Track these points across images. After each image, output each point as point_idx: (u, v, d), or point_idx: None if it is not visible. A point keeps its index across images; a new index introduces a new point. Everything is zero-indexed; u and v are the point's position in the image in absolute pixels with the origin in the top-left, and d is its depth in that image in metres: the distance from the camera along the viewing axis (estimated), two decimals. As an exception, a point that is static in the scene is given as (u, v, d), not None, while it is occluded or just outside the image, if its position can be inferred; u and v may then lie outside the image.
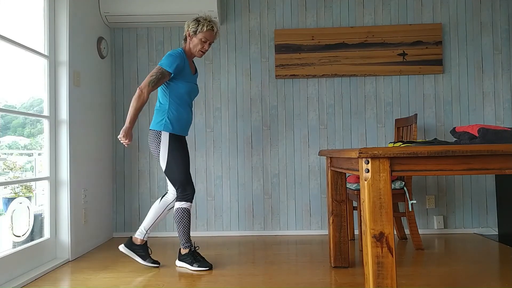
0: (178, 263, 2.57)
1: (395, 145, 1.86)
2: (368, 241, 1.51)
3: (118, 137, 2.36)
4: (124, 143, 2.37)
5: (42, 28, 2.76)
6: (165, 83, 2.48)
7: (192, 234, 3.49)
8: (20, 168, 2.75)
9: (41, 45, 2.74)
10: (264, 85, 3.54)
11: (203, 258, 2.54)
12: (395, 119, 3.32)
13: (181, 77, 2.47)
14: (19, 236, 2.52)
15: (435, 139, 1.97)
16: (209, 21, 2.48)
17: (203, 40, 2.48)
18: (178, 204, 2.50)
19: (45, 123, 2.75)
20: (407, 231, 3.38)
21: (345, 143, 3.51)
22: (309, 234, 3.46)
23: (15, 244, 2.49)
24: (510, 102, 3.46)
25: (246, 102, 3.54)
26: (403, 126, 3.15)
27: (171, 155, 2.45)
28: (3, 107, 2.45)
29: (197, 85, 2.64)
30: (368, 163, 1.53)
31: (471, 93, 3.48)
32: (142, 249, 2.56)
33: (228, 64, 3.56)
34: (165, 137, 2.46)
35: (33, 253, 2.52)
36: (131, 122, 2.36)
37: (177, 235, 2.59)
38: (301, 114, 3.52)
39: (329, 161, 2.48)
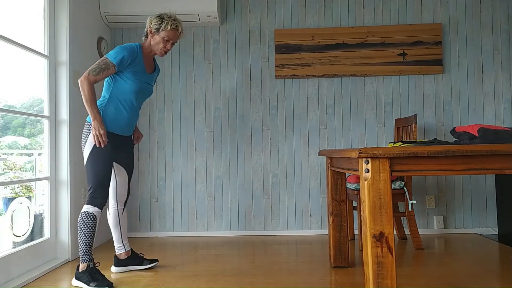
0: (74, 282, 2.24)
1: (395, 145, 1.86)
2: (368, 241, 1.51)
3: (94, 134, 2.16)
4: (101, 141, 2.18)
5: (42, 28, 2.76)
6: (111, 76, 2.29)
7: (192, 234, 3.49)
8: (20, 168, 2.76)
9: (41, 45, 2.74)
10: (264, 85, 3.54)
11: (103, 276, 2.22)
12: (395, 119, 3.32)
13: (129, 73, 2.28)
14: (19, 236, 2.52)
15: (435, 139, 1.97)
16: (173, 20, 2.32)
17: (165, 39, 2.32)
18: (85, 208, 2.22)
19: (45, 123, 2.75)
20: (407, 231, 3.38)
21: (345, 143, 3.51)
22: (309, 234, 3.46)
23: (15, 244, 2.49)
24: (510, 102, 3.46)
25: (246, 102, 3.54)
26: (403, 126, 3.15)
27: (94, 151, 2.22)
28: (3, 107, 2.45)
29: (151, 85, 2.45)
30: (368, 163, 1.53)
31: (471, 93, 3.48)
32: (133, 258, 2.50)
33: (228, 64, 3.56)
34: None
35: (33, 253, 2.52)
36: (95, 115, 2.16)
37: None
38: (301, 114, 3.52)
39: (329, 161, 2.48)
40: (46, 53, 2.75)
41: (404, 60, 3.47)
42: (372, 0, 3.53)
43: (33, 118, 2.74)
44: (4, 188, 2.55)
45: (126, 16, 3.35)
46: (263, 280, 2.29)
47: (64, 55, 2.82)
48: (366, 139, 3.50)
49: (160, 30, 2.30)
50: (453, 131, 1.98)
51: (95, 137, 2.17)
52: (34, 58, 2.68)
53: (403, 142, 1.90)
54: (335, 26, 3.53)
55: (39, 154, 2.84)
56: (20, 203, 2.59)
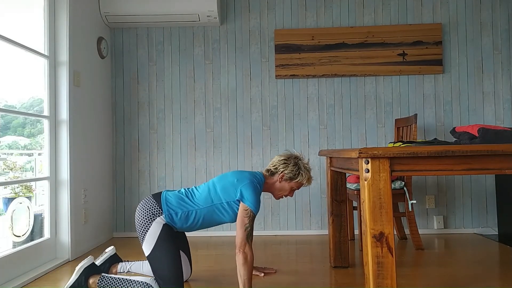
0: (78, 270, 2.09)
1: (395, 145, 1.86)
2: (368, 241, 1.51)
3: None
4: None
5: (42, 28, 2.76)
6: (220, 200, 2.05)
7: (192, 234, 3.49)
8: (20, 168, 2.75)
9: (41, 45, 2.74)
10: (264, 85, 3.54)
11: None
12: (395, 119, 3.32)
13: (237, 207, 2.06)
14: (19, 236, 2.52)
15: (435, 139, 1.97)
16: (308, 171, 2.16)
17: (294, 188, 2.17)
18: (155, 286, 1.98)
19: (45, 123, 2.75)
20: (407, 231, 3.38)
21: (345, 143, 3.51)
22: (309, 234, 3.46)
23: (15, 244, 2.49)
24: (510, 102, 3.46)
25: (246, 102, 3.54)
26: (403, 126, 3.15)
27: (159, 243, 2.00)
28: (3, 107, 2.45)
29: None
30: (368, 163, 1.53)
31: (471, 93, 3.48)
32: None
33: (228, 64, 3.56)
34: (159, 224, 2.03)
35: (33, 253, 2.52)
36: None
37: None
38: (301, 114, 3.52)
39: (329, 161, 2.47)
40: (46, 53, 2.75)
41: (404, 60, 3.47)
42: (372, 0, 3.53)
43: (33, 118, 2.74)
44: (4, 188, 2.55)
45: (126, 16, 3.35)
46: (263, 280, 2.29)
47: (64, 55, 2.82)
48: (366, 139, 3.50)
49: (294, 180, 2.14)
50: (453, 131, 1.98)
51: None
52: (34, 58, 2.68)
53: (403, 142, 1.90)
54: (335, 26, 3.53)
55: (39, 154, 2.84)
56: (20, 203, 2.59)
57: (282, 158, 2.16)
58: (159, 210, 2.04)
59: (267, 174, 2.18)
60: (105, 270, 2.20)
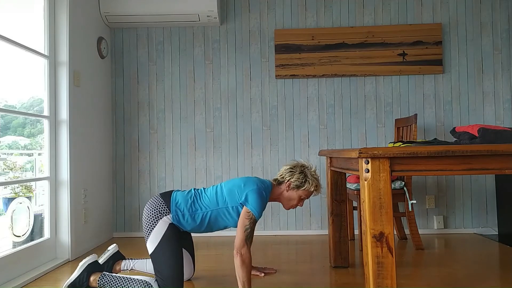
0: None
1: (395, 145, 1.86)
2: (368, 241, 1.51)
3: None
4: None
5: (42, 28, 2.76)
6: (225, 204, 2.06)
7: (192, 234, 3.48)
8: (20, 168, 2.75)
9: (41, 45, 2.74)
10: (264, 85, 3.54)
11: None
12: (395, 119, 3.32)
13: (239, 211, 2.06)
14: (19, 236, 2.52)
15: (435, 139, 1.97)
16: (316, 179, 2.13)
17: (302, 197, 2.15)
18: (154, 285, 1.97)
19: (45, 123, 2.75)
20: (407, 231, 3.38)
21: (345, 143, 3.51)
22: (309, 234, 3.46)
23: (15, 244, 2.49)
24: (510, 102, 3.46)
25: (246, 102, 3.54)
26: (403, 126, 3.15)
27: (162, 242, 2.01)
28: (3, 107, 2.45)
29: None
30: (368, 163, 1.53)
31: (471, 93, 3.48)
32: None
33: (228, 64, 3.56)
34: (165, 223, 2.04)
35: (33, 253, 2.52)
36: None
37: None
38: (301, 114, 3.52)
39: (329, 161, 2.47)
40: (46, 53, 2.74)
41: (404, 60, 3.47)
42: (372, 0, 3.53)
43: (33, 118, 2.74)
44: (4, 188, 2.55)
45: (126, 16, 3.34)
46: (263, 280, 2.29)
47: (64, 55, 2.82)
48: (366, 139, 3.50)
49: (301, 189, 2.13)
50: (453, 131, 1.98)
51: None
52: (34, 58, 2.68)
53: (403, 142, 1.90)
54: (335, 26, 3.53)
55: (39, 154, 2.84)
56: (20, 203, 2.59)
57: (288, 167, 2.17)
58: (166, 210, 2.06)
59: (274, 183, 2.19)
60: (108, 268, 2.21)
